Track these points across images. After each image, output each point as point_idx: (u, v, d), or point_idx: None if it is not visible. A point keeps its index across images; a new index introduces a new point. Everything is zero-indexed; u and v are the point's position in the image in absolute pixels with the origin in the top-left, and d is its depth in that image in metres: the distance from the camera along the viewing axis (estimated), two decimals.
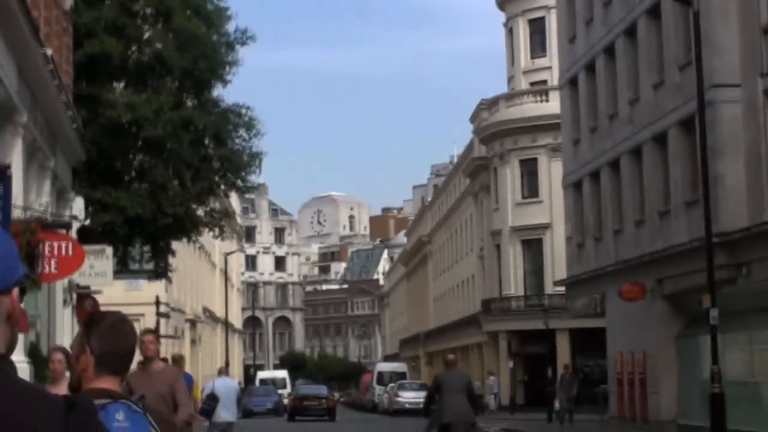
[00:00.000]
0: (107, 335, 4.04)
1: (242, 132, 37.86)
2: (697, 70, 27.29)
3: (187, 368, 67.48)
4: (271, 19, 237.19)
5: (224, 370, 28.70)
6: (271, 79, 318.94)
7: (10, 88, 20.18)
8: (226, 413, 24.84)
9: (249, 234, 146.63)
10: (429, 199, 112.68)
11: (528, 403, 60.63)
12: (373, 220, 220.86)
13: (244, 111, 37.66)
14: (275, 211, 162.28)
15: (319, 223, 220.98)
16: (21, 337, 22.18)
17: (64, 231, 17.16)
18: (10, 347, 2.63)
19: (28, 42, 20.52)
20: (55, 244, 16.57)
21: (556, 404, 41.39)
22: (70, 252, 16.57)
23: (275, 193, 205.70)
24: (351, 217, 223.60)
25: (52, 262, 16.59)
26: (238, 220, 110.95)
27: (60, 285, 29.61)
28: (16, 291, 2.53)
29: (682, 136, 33.92)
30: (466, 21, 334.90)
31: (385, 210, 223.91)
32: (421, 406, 60.30)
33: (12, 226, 14.69)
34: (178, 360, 25.02)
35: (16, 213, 18.00)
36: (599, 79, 41.59)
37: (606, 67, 40.81)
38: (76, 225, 31.86)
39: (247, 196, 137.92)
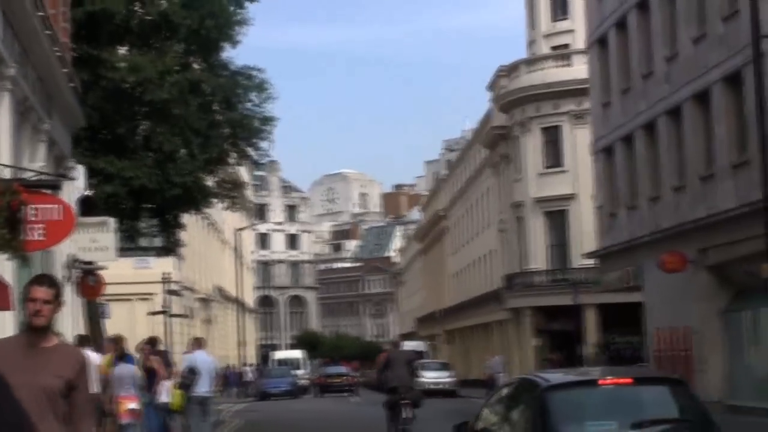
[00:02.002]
0: None
1: (253, 96, 35.59)
2: (752, 19, 24.85)
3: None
4: None
5: (203, 343, 26.74)
6: (281, 56, 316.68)
7: None
8: (203, 387, 23.76)
9: (261, 212, 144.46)
10: (443, 174, 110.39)
11: None
12: (385, 197, 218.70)
13: (254, 73, 35.41)
14: (287, 188, 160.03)
15: (331, 200, 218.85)
16: (9, 315, 19.90)
17: (52, 192, 14.77)
18: None
19: None
20: (41, 207, 14.23)
21: None
22: (60, 216, 14.23)
23: (287, 171, 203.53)
24: (363, 195, 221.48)
25: (38, 228, 14.25)
26: (250, 196, 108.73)
27: (58, 259, 27.36)
28: None
29: (728, 92, 31.48)
30: None
31: (397, 187, 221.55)
32: (445, 386, 57.68)
33: None
34: (117, 341, 22.94)
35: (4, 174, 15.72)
36: (631, 36, 39.10)
37: (639, 22, 38.32)
38: (76, 194, 29.64)
39: (257, 173, 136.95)
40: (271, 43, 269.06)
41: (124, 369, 21.00)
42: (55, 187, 14.78)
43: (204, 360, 24.19)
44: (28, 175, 15.37)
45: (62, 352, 6.85)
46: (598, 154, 43.33)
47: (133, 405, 20.09)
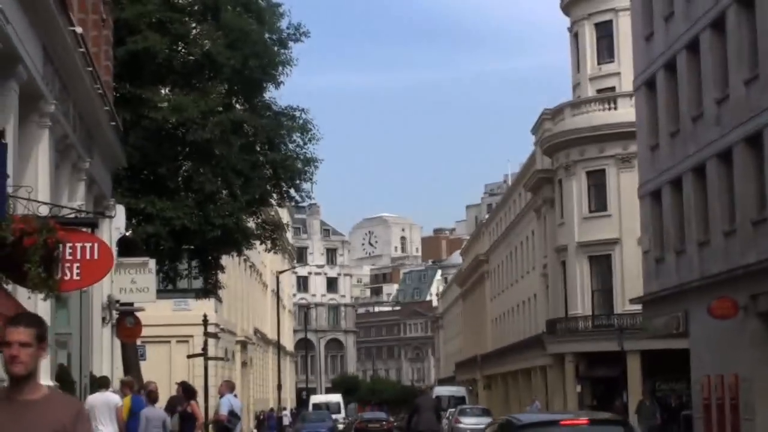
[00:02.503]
0: None
1: (296, 137, 35.14)
2: None
3: (239, 391, 64.92)
4: (319, 42, 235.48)
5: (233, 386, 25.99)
6: (322, 97, 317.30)
7: (33, 70, 17.41)
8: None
9: (300, 254, 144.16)
10: (483, 218, 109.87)
11: None
12: (425, 240, 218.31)
13: (298, 114, 34.97)
14: (327, 231, 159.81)
15: (371, 244, 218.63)
16: (46, 361, 19.42)
17: (89, 231, 14.26)
18: None
19: (52, 15, 17.75)
20: (78, 246, 13.74)
21: None
22: (96, 255, 13.73)
23: (327, 214, 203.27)
24: (402, 239, 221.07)
25: (75, 267, 13.75)
26: (290, 239, 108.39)
27: (98, 300, 26.93)
28: None
29: None
30: (515, 42, 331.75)
31: (437, 231, 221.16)
32: None
33: (25, 223, 11.85)
34: (128, 384, 22.39)
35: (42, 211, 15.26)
36: (681, 78, 38.41)
37: (689, 64, 37.65)
38: (115, 234, 29.23)
39: (298, 216, 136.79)
40: (314, 84, 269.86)
41: (153, 412, 20.44)
42: (93, 224, 14.30)
43: (237, 404, 23.49)
44: (65, 212, 14.86)
45: (53, 402, 5.78)
46: (645, 198, 42.58)
47: None
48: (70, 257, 13.78)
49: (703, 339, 36.93)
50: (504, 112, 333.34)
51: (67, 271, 13.72)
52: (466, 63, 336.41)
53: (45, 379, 19.12)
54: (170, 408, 24.56)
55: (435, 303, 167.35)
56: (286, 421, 71.27)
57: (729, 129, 34.14)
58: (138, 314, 30.13)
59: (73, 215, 14.95)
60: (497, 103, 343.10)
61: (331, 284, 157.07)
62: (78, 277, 13.86)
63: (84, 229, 14.30)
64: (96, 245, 13.87)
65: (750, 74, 32.78)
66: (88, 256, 13.78)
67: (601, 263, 58.91)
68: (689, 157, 37.50)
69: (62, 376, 19.73)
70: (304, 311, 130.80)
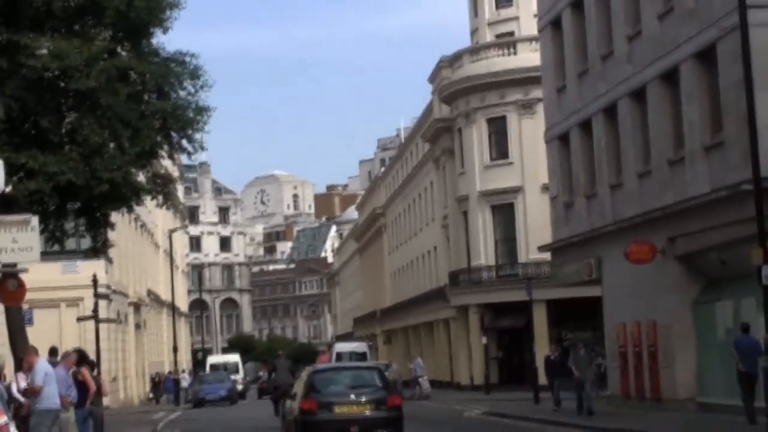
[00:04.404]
0: None
1: (186, 84, 32.94)
2: None
3: (132, 354, 62.46)
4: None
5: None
6: (210, 58, 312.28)
7: None
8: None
9: (192, 214, 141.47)
10: (378, 173, 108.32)
11: (503, 381, 56.19)
12: (317, 197, 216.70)
13: (188, 59, 32.74)
14: (219, 190, 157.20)
15: (263, 203, 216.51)
16: None
17: None
18: None
19: None
20: None
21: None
22: None
23: (218, 173, 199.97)
24: (295, 196, 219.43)
25: None
26: (181, 198, 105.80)
27: None
28: None
29: (700, 69, 29.36)
30: None
31: (330, 187, 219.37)
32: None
33: None
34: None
35: None
36: (588, 15, 36.86)
37: (597, 1, 36.16)
38: None
39: (189, 175, 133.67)
40: (200, 44, 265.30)
41: None
42: None
43: (56, 371, 20.80)
44: None
45: None
46: (552, 142, 41.14)
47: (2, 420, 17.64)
48: None
49: (618, 285, 35.69)
50: (397, 68, 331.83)
51: None
52: (356, 21, 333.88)
53: None
54: None
55: (330, 260, 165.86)
56: (185, 383, 69.09)
57: (642, 66, 32.74)
58: (22, 276, 27.96)
59: None
60: (389, 59, 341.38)
61: (224, 243, 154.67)
62: None
63: None
64: None
65: (664, 8, 31.38)
66: None
67: (504, 212, 57.70)
68: (599, 97, 36.10)
69: None
70: (197, 271, 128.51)
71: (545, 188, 49.75)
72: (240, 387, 70.68)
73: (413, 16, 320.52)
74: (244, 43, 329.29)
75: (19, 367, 25.50)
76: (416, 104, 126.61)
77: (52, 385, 19.00)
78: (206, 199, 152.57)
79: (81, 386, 22.76)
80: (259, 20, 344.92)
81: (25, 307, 34.15)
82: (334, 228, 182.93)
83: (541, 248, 44.22)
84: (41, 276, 42.53)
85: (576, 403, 33.33)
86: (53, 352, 25.15)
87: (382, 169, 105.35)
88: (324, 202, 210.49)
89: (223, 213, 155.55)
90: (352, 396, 23.54)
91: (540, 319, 53.70)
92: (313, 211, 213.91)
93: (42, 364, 19.20)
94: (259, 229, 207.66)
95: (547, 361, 38.65)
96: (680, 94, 30.55)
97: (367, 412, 23.31)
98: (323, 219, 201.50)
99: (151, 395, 69.79)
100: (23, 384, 23.16)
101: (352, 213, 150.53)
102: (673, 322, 31.92)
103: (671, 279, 31.97)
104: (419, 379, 55.54)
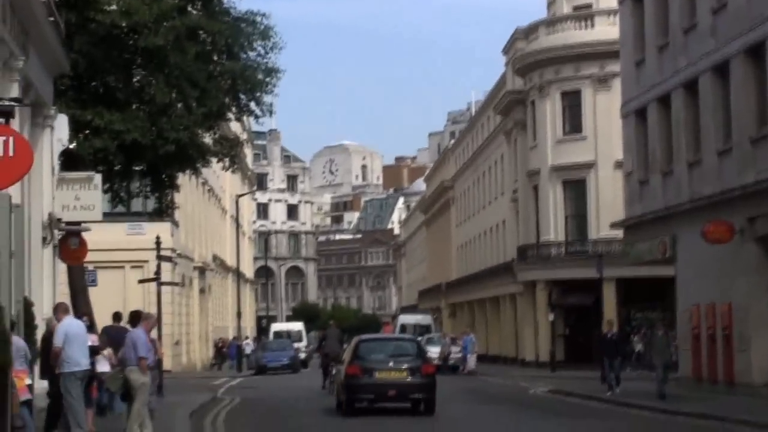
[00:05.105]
0: None
1: (257, 45, 32.37)
2: None
3: (196, 318, 62.20)
4: None
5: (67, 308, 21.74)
6: (281, 27, 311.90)
7: None
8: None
9: (261, 181, 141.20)
10: (447, 145, 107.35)
11: (569, 359, 55.21)
12: (386, 169, 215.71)
13: (258, 19, 32.16)
14: (287, 158, 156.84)
15: (332, 172, 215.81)
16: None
17: (2, 121, 11.54)
18: None
19: None
20: None
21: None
22: (11, 152, 11.04)
23: (287, 141, 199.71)
24: (364, 167, 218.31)
25: None
26: (250, 164, 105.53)
27: (37, 217, 24.25)
28: None
29: None
30: None
31: (399, 159, 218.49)
32: (451, 362, 55.74)
33: None
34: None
35: None
36: None
37: None
38: (58, 147, 26.51)
39: (258, 142, 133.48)
40: (268, 8, 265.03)
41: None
42: (7, 114, 11.53)
43: (77, 328, 19.58)
44: None
45: None
46: (629, 117, 40.04)
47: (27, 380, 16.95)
48: None
49: (693, 265, 34.62)
50: (470, 42, 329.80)
51: None
52: None
53: None
54: (114, 340, 21.91)
55: (397, 231, 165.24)
56: (248, 350, 68.80)
57: (726, 40, 31.59)
58: (87, 237, 27.55)
59: None
60: (462, 33, 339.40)
61: (292, 211, 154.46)
62: None
63: None
64: (11, 139, 11.19)
65: None
66: (0, 153, 11.09)
67: (576, 188, 56.64)
68: (679, 71, 34.98)
69: None
70: (264, 238, 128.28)
71: (618, 164, 48.73)
72: (303, 355, 70.22)
73: None
74: (313, 11, 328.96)
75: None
76: (488, 79, 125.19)
77: (73, 345, 18.22)
78: (275, 167, 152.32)
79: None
80: None
81: (89, 267, 33.88)
82: (401, 199, 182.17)
83: (614, 225, 43.18)
84: (106, 237, 42.31)
85: (656, 385, 31.54)
86: (117, 317, 24.71)
87: (452, 142, 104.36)
88: (392, 173, 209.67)
89: (292, 181, 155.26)
90: (391, 363, 26.77)
91: (609, 297, 52.65)
92: (381, 182, 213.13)
93: (65, 323, 18.44)
94: (326, 199, 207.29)
95: (600, 339, 35.39)
96: (766, 70, 29.43)
97: (404, 378, 26.47)
98: (391, 190, 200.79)
99: (213, 361, 69.61)
100: None
101: (419, 185, 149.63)
102: (749, 304, 30.87)
103: (749, 261, 30.90)
104: (468, 355, 54.41)
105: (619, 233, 44.26)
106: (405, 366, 26.67)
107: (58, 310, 19.01)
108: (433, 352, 53.21)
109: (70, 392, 18.05)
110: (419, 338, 59.88)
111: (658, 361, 31.62)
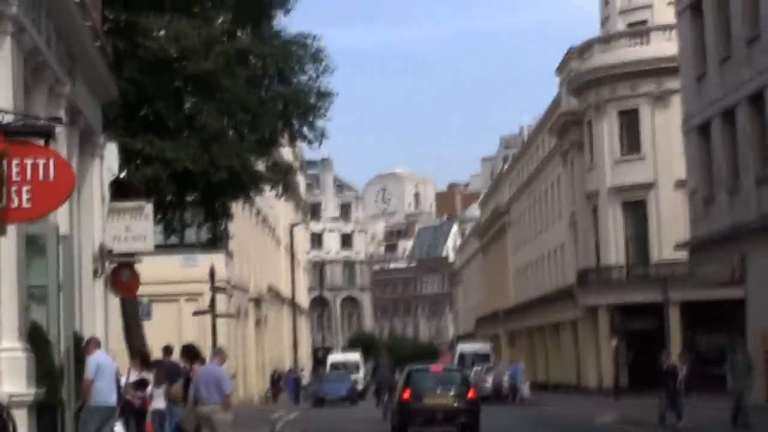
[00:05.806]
0: None
1: (308, 68, 31.64)
2: None
3: (252, 350, 61.56)
4: None
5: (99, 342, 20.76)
6: (333, 55, 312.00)
7: None
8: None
9: (314, 211, 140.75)
10: (500, 170, 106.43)
11: (633, 386, 53.82)
12: (439, 195, 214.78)
13: (309, 41, 31.44)
14: (340, 186, 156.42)
15: (384, 201, 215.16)
16: (14, 317, 15.98)
17: (42, 143, 10.76)
18: None
19: None
20: (28, 163, 10.27)
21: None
22: (51, 175, 10.24)
23: (339, 169, 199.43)
24: (416, 194, 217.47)
25: (24, 191, 10.30)
26: (303, 193, 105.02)
27: (87, 248, 23.51)
28: None
29: None
30: None
31: (451, 185, 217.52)
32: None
33: None
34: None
35: None
36: None
37: None
38: (108, 176, 25.87)
39: (310, 172, 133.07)
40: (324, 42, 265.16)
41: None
42: (47, 134, 10.74)
43: (108, 363, 18.72)
44: (9, 120, 11.31)
45: None
46: (691, 133, 38.99)
47: None
48: (18, 178, 10.33)
49: (764, 286, 33.44)
50: (521, 64, 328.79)
51: (14, 197, 10.27)
52: (480, 16, 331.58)
53: (11, 339, 15.73)
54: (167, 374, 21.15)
55: (452, 258, 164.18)
56: (305, 381, 68.02)
57: None
58: (141, 270, 26.87)
59: (20, 123, 11.39)
60: (513, 56, 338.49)
61: (346, 241, 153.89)
62: (28, 204, 10.41)
63: (36, 141, 10.80)
64: (51, 161, 10.40)
65: None
66: (41, 176, 10.33)
67: (636, 209, 55.48)
68: (744, 84, 33.94)
69: (35, 335, 16.32)
70: (318, 268, 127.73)
71: (679, 184, 47.66)
72: (360, 386, 69.35)
73: (539, 12, 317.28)
74: (360, 37, 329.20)
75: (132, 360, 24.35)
76: (540, 101, 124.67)
77: (104, 379, 17.47)
78: (328, 196, 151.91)
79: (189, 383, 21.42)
80: (377, 17, 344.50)
81: (144, 300, 33.23)
82: (455, 226, 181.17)
83: (678, 246, 42.06)
84: (161, 269, 41.69)
85: (731, 413, 29.38)
86: (168, 350, 23.93)
87: (505, 166, 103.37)
88: (445, 200, 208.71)
89: (345, 210, 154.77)
90: (439, 390, 29.75)
91: (674, 321, 51.34)
92: (434, 209, 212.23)
93: (96, 356, 17.71)
94: (380, 227, 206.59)
95: (659, 369, 33.23)
96: None
97: (450, 403, 29.27)
98: (444, 217, 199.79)
99: (269, 393, 68.88)
100: (133, 378, 21.96)
101: (473, 211, 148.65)
102: None
103: None
104: (519, 384, 53.33)
105: (682, 255, 43.13)
106: (451, 392, 29.55)
107: (90, 344, 18.34)
108: (490, 381, 52.48)
109: (86, 425, 17.31)
110: (478, 368, 59.30)
111: (738, 386, 29.32)
